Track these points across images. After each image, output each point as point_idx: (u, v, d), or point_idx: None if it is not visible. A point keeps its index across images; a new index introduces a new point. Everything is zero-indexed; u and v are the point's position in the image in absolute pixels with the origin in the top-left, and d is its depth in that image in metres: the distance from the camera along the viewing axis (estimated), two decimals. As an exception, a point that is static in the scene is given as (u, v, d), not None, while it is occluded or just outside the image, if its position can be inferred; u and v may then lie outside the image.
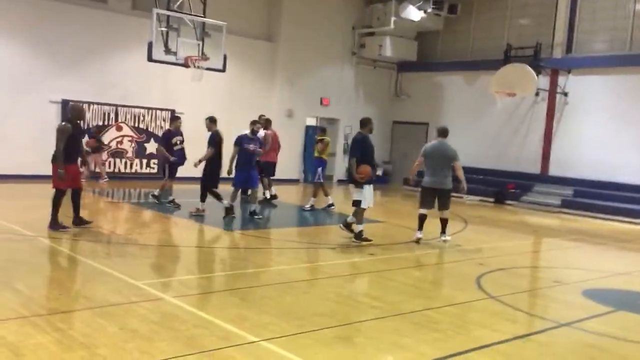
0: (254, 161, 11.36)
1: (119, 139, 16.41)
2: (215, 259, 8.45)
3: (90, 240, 8.58)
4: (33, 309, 5.25)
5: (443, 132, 10.03)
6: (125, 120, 16.44)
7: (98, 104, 15.91)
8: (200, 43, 13.87)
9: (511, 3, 19.58)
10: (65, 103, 15.25)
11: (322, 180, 13.18)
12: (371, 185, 9.50)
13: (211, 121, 11.60)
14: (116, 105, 16.21)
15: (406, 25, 20.21)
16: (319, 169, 13.10)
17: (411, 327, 5.55)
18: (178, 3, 13.85)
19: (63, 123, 8.87)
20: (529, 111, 18.80)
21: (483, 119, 19.59)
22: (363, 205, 9.39)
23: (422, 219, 9.86)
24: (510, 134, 19.19)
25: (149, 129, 16.82)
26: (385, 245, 9.52)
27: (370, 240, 9.43)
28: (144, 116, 16.72)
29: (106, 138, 16.14)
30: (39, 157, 14.65)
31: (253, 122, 11.43)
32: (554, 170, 18.15)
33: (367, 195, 9.38)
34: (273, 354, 4.59)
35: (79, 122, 9.17)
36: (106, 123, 16.12)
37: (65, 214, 8.95)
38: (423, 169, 10.15)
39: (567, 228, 13.92)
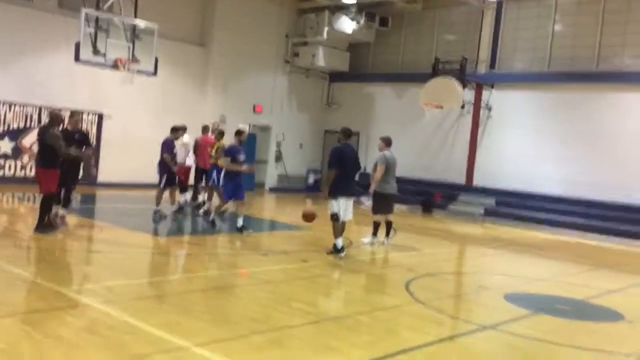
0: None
1: (41, 142, 15.75)
2: (145, 265, 8.27)
3: (11, 245, 8.21)
4: (-51, 316, 4.99)
5: (391, 142, 10.77)
6: (49, 122, 15.81)
7: (20, 104, 15.26)
8: (131, 45, 13.60)
9: (439, 19, 20.27)
10: (-16, 103, 14.59)
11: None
12: (347, 198, 9.22)
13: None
14: (40, 107, 15.59)
15: (339, 36, 20.52)
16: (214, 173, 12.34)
17: (343, 331, 5.64)
18: (108, 3, 13.54)
19: (51, 130, 8.88)
20: (455, 123, 19.46)
21: (412, 130, 20.11)
22: (342, 219, 9.14)
23: (378, 225, 10.59)
24: (438, 145, 19.79)
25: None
26: (317, 252, 9.58)
27: (342, 253, 9.13)
28: (47, 117, 16.10)
29: (28, 140, 15.47)
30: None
31: (239, 132, 10.91)
32: (478, 181, 18.85)
33: (342, 207, 9.09)
34: (202, 359, 4.55)
35: (58, 127, 9.26)
36: (28, 125, 15.46)
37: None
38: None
39: (490, 236, 14.48)
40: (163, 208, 11.65)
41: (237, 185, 10.65)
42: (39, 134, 9.36)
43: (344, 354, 4.93)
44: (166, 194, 11.90)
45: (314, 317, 5.94)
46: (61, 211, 9.80)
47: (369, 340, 5.39)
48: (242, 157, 10.64)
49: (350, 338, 5.40)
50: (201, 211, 12.55)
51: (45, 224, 8.98)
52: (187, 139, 12.81)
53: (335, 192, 9.12)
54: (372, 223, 10.76)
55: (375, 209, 10.66)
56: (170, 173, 11.69)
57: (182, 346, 4.73)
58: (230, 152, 10.62)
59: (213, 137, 12.75)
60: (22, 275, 6.59)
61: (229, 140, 11.87)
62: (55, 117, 9.22)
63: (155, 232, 10.40)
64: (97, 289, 6.39)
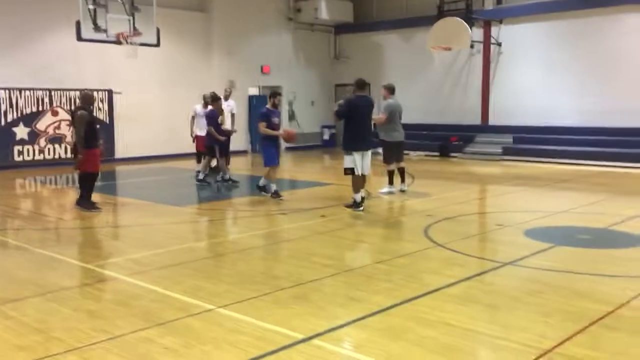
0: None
1: (55, 124, 15.94)
2: (169, 235, 8.42)
3: (37, 229, 8.41)
4: (-18, 300, 5.17)
5: (394, 89, 10.77)
6: (61, 104, 15.96)
7: (30, 89, 15.38)
8: (131, 18, 13.55)
9: (441, -43, 19.69)
10: (-6, 91, 14.73)
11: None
12: (364, 152, 9.10)
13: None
14: (50, 90, 15.70)
15: (340, -14, 20.16)
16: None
17: (364, 280, 5.73)
18: (104, -23, 13.42)
19: (79, 112, 9.18)
20: (466, 64, 19.15)
21: (423, 75, 19.85)
22: (356, 172, 9.08)
23: (392, 173, 10.69)
24: (450, 88, 19.55)
25: (87, 111, 16.36)
26: (336, 207, 9.65)
27: (360, 207, 9.14)
28: (79, 99, 16.23)
29: (42, 124, 15.66)
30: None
31: (274, 94, 10.48)
32: (493, 120, 18.66)
33: (358, 161, 9.02)
34: (229, 319, 4.67)
35: (91, 108, 9.67)
36: (40, 109, 15.61)
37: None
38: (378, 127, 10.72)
39: (509, 174, 14.40)
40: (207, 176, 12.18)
41: (278, 152, 10.50)
42: (71, 116, 9.79)
43: (366, 302, 5.02)
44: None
45: (334, 270, 6.03)
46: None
47: (389, 287, 5.47)
48: (276, 120, 10.41)
49: (370, 286, 5.49)
50: (219, 177, 12.63)
51: (89, 201, 9.46)
52: (232, 102, 13.15)
53: (349, 146, 9.08)
54: (386, 173, 10.79)
55: (387, 158, 10.68)
56: (220, 143, 11.90)
57: (209, 309, 4.86)
58: (265, 116, 10.24)
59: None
60: (50, 256, 6.77)
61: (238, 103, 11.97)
62: (86, 98, 9.57)
63: (178, 202, 10.53)
64: (123, 262, 6.55)
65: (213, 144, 11.97)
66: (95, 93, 16.28)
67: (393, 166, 10.77)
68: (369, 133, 9.35)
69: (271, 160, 10.33)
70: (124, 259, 6.72)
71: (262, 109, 10.65)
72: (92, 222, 8.86)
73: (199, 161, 12.65)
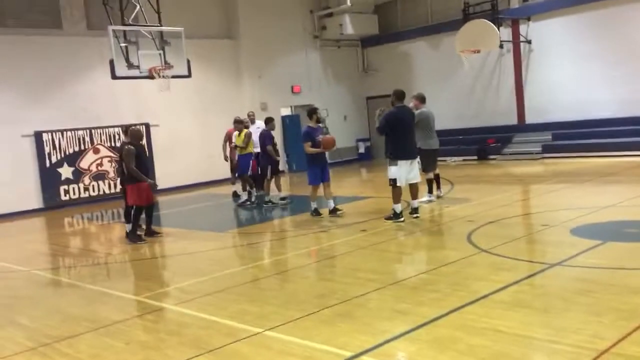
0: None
1: (98, 162, 16.39)
2: (213, 261, 8.53)
3: (87, 265, 8.64)
4: (38, 339, 5.32)
5: (425, 99, 11.02)
6: (101, 141, 16.42)
7: (71, 130, 15.87)
8: (162, 52, 13.85)
9: (462, -39, 19.61)
10: (37, 135, 15.25)
11: (248, 173, 12.80)
12: (411, 161, 9.21)
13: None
14: (89, 128, 16.18)
15: (363, 0, 20.22)
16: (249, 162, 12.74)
17: (409, 292, 5.69)
18: (132, 16, 13.81)
19: (127, 147, 9.48)
20: (496, 65, 18.94)
21: (454, 80, 19.70)
22: (399, 184, 9.11)
23: (432, 182, 10.86)
24: (483, 90, 19.33)
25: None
26: (376, 220, 9.61)
27: (401, 219, 9.13)
28: (119, 134, 16.68)
29: (85, 162, 16.12)
30: (16, 194, 14.74)
31: (313, 111, 10.55)
32: (530, 118, 18.35)
33: (403, 172, 9.08)
34: (277, 341, 4.70)
35: (141, 143, 10.01)
36: (82, 148, 16.08)
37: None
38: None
39: (551, 172, 14.12)
40: (272, 197, 12.35)
41: (323, 167, 10.37)
42: (119, 151, 10.10)
43: (412, 315, 4.98)
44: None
45: (378, 284, 6.00)
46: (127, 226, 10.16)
47: (435, 297, 5.42)
48: (320, 137, 10.36)
49: (416, 298, 5.44)
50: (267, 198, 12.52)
51: (137, 234, 9.72)
52: (260, 123, 13.41)
53: (394, 155, 9.13)
54: (425, 182, 10.74)
55: (425, 166, 10.61)
56: (275, 163, 12.20)
57: (256, 332, 4.90)
58: (309, 135, 10.21)
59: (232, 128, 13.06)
60: (100, 291, 6.93)
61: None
62: (135, 134, 9.76)
63: (221, 229, 10.66)
64: (171, 292, 6.68)
65: (268, 164, 12.16)
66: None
67: (431, 174, 10.80)
68: (413, 143, 9.44)
69: (313, 179, 10.33)
70: (171, 288, 6.85)
71: (304, 128, 10.65)
72: (139, 255, 9.04)
73: (244, 187, 13.04)
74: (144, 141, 16.90)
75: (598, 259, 6.17)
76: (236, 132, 12.81)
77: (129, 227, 9.92)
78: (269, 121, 12.38)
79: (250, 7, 19.26)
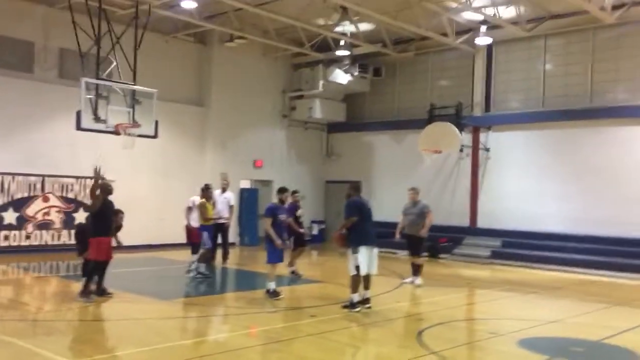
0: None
1: (45, 210, 15.86)
2: (155, 331, 8.19)
3: (15, 319, 8.16)
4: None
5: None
6: (53, 190, 15.95)
7: (24, 175, 15.42)
8: (131, 110, 13.79)
9: (432, 66, 20.61)
10: (-11, 175, 14.74)
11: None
12: (371, 248, 9.11)
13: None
14: (43, 176, 15.75)
15: (334, 87, 20.86)
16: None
17: (357, 389, 5.55)
18: (107, 71, 13.80)
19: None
20: (455, 167, 19.56)
21: (413, 176, 20.11)
22: (361, 272, 8.95)
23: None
24: (440, 189, 19.81)
25: (78, 198, 16.35)
26: (326, 306, 9.49)
27: (357, 308, 9.01)
28: (72, 185, 16.29)
29: (31, 210, 15.57)
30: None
31: (282, 190, 10.50)
32: (481, 223, 18.81)
33: (364, 258, 8.97)
34: None
35: (108, 197, 9.84)
36: (31, 194, 15.58)
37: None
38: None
39: (498, 279, 14.34)
40: (297, 269, 12.30)
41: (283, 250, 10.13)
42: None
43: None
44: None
45: (326, 377, 5.85)
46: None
47: (384, 397, 5.30)
48: (283, 216, 10.20)
49: (365, 396, 5.31)
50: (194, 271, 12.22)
51: (88, 290, 9.35)
52: (229, 194, 13.56)
53: (358, 242, 9.03)
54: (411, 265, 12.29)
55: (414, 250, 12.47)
56: (297, 235, 12.15)
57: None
58: (271, 211, 10.05)
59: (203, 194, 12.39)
60: (29, 348, 6.52)
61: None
62: (104, 188, 9.75)
63: (167, 296, 10.30)
64: (107, 360, 6.32)
65: (290, 236, 11.80)
66: (88, 181, 16.36)
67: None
68: (373, 231, 9.42)
69: (273, 257, 9.98)
70: (107, 356, 6.48)
71: (269, 204, 10.58)
72: (81, 314, 8.61)
73: (194, 252, 12.49)
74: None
75: (545, 375, 6.19)
76: (203, 200, 12.24)
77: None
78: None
79: (224, 78, 19.58)
